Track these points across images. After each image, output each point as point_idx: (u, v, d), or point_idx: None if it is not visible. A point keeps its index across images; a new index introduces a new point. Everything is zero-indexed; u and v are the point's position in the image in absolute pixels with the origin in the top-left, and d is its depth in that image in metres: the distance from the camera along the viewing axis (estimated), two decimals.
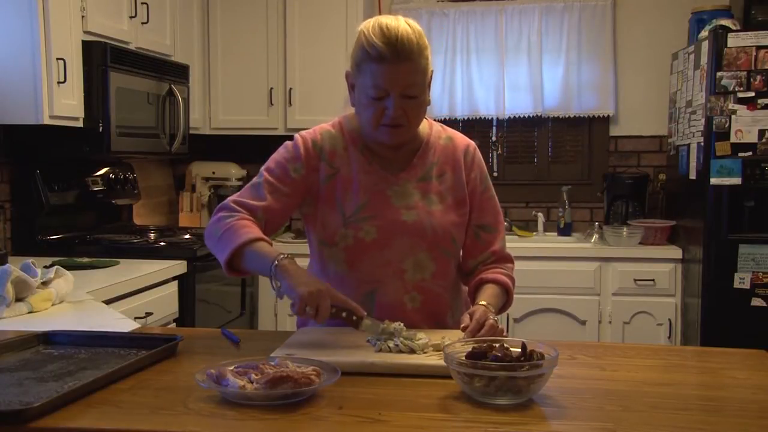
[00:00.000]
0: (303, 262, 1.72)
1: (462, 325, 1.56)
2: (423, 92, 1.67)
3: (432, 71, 1.71)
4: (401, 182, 1.76)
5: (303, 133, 1.80)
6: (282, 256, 1.58)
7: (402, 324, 1.57)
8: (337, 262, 1.75)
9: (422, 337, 1.55)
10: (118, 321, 1.96)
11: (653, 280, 3.68)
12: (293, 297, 1.52)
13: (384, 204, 1.73)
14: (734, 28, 3.46)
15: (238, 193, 1.76)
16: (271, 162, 1.77)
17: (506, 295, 1.77)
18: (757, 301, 3.37)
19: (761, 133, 3.32)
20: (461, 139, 1.85)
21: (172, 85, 3.50)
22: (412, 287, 1.74)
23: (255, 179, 1.77)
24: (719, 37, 3.35)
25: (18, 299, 2.00)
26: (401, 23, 1.63)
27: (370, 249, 1.72)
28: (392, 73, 1.61)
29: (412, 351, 1.50)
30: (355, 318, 1.57)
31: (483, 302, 1.65)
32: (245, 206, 1.70)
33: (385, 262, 1.72)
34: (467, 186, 1.80)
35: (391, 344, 1.52)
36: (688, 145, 3.64)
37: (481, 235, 1.81)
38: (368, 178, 1.75)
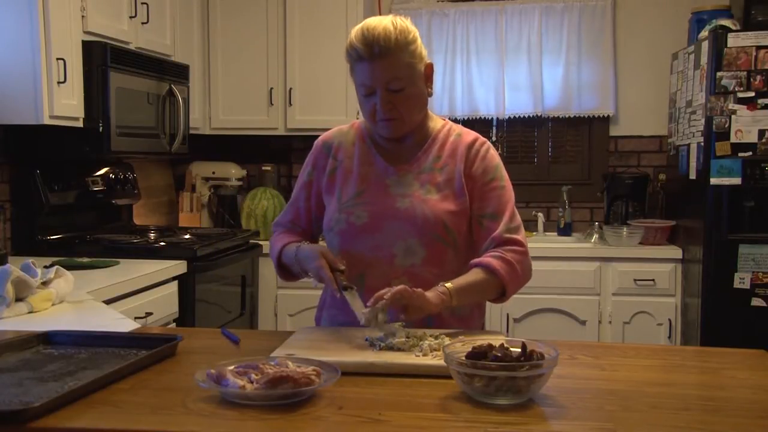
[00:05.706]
0: None
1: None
2: (410, 85, 1.73)
3: (428, 64, 1.78)
4: (402, 173, 1.82)
5: (322, 135, 1.95)
6: (298, 246, 1.80)
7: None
8: (333, 248, 1.82)
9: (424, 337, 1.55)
10: (118, 321, 1.96)
11: (653, 280, 3.68)
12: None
13: (381, 192, 1.80)
14: (734, 28, 3.46)
15: (281, 212, 2.00)
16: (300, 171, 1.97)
17: (492, 275, 1.72)
18: (757, 301, 3.37)
19: (761, 133, 3.32)
20: (468, 135, 1.88)
21: (172, 85, 3.50)
22: (402, 272, 1.76)
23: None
24: (719, 37, 3.35)
25: (18, 299, 1.99)
26: (383, 22, 1.71)
27: (362, 233, 1.78)
28: (372, 71, 1.71)
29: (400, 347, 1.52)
30: (344, 284, 1.68)
31: (444, 283, 1.67)
32: (279, 224, 1.97)
33: (376, 246, 1.77)
34: (467, 177, 1.81)
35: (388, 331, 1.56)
36: (688, 145, 3.64)
37: (485, 223, 1.81)
38: (369, 170, 1.83)
